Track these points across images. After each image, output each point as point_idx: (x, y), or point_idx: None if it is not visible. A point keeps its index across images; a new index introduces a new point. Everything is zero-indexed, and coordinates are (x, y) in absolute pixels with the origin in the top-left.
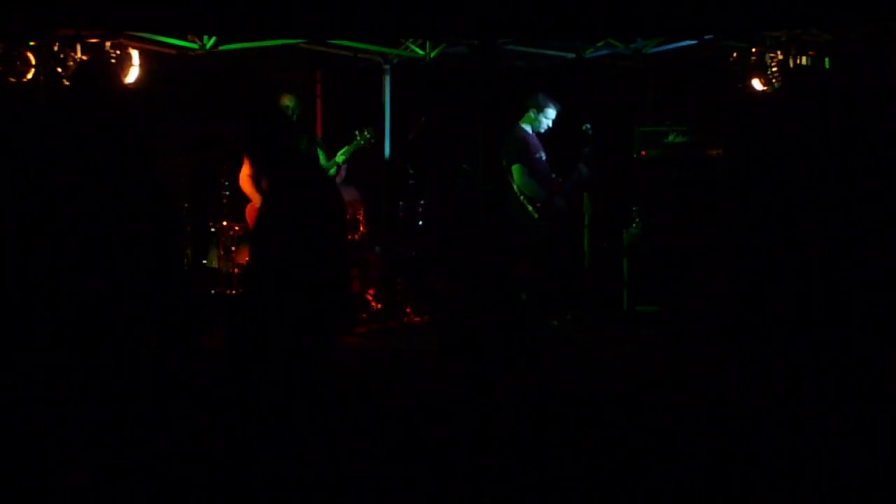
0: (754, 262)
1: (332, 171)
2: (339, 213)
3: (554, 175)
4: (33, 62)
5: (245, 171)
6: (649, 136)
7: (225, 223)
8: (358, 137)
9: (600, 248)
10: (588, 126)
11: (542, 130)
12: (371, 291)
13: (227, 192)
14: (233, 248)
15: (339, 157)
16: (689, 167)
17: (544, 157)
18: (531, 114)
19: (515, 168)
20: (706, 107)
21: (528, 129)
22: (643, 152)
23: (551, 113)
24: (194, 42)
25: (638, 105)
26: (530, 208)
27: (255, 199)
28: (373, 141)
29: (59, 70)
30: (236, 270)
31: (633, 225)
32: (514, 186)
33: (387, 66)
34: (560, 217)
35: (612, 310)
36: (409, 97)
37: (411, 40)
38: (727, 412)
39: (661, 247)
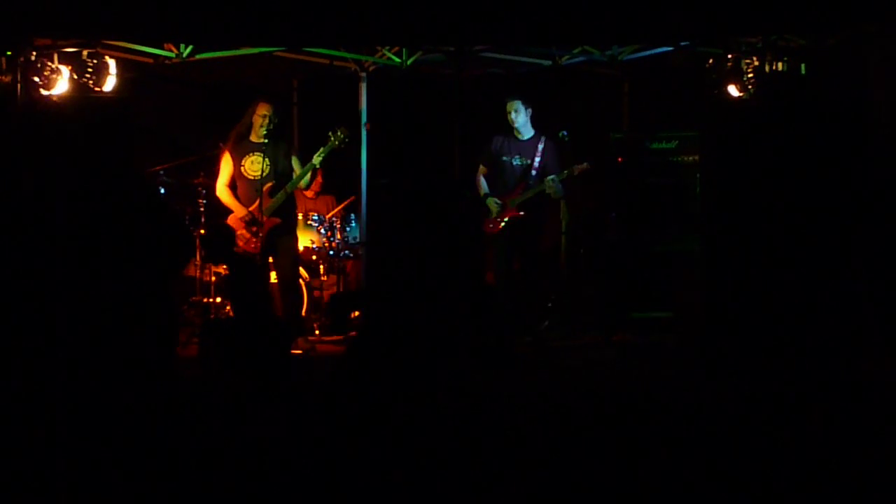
0: (731, 267)
1: (307, 178)
2: None
3: (526, 183)
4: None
5: (222, 181)
6: (625, 143)
7: (202, 231)
8: (332, 138)
9: (577, 256)
10: (564, 133)
11: (516, 131)
12: None
13: (204, 201)
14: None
15: (316, 159)
16: (665, 173)
17: (518, 162)
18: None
19: (480, 168)
20: (682, 113)
21: (511, 131)
22: (619, 159)
23: (512, 114)
24: (171, 51)
25: (614, 112)
26: (493, 212)
27: (236, 208)
28: (347, 140)
29: (36, 80)
30: (213, 279)
31: (609, 231)
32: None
33: (363, 74)
34: (518, 225)
35: (590, 316)
36: (386, 105)
37: (387, 48)
38: (699, 422)
39: (637, 253)
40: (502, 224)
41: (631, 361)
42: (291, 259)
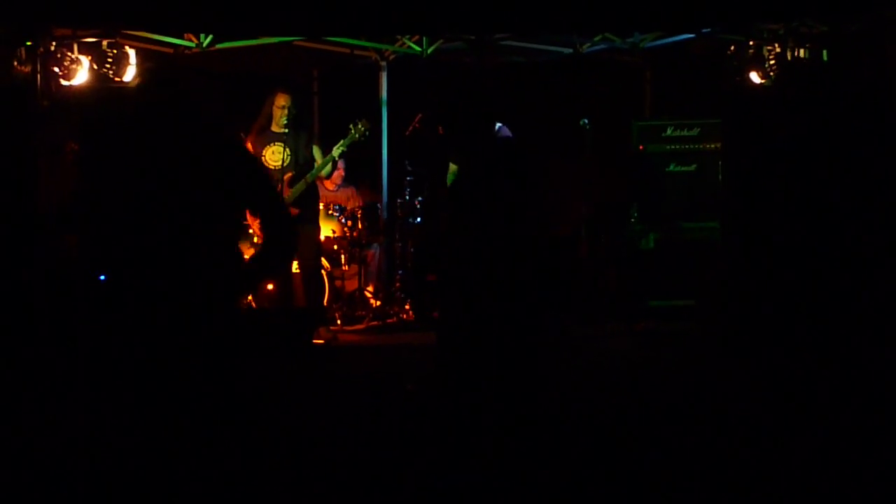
0: (753, 255)
1: (328, 168)
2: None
3: None
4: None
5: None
6: (647, 131)
7: None
8: (353, 131)
9: (599, 244)
10: (585, 121)
11: None
12: (370, 288)
13: None
14: None
15: (336, 151)
16: (687, 161)
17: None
18: None
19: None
20: (704, 100)
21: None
22: (641, 147)
23: None
24: (191, 41)
25: (636, 99)
26: None
27: None
28: (367, 133)
29: (56, 70)
30: None
31: (632, 220)
32: None
33: (383, 63)
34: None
35: (611, 305)
36: (407, 94)
37: (408, 36)
38: (722, 418)
39: (660, 241)
40: None
41: (652, 350)
42: (313, 249)
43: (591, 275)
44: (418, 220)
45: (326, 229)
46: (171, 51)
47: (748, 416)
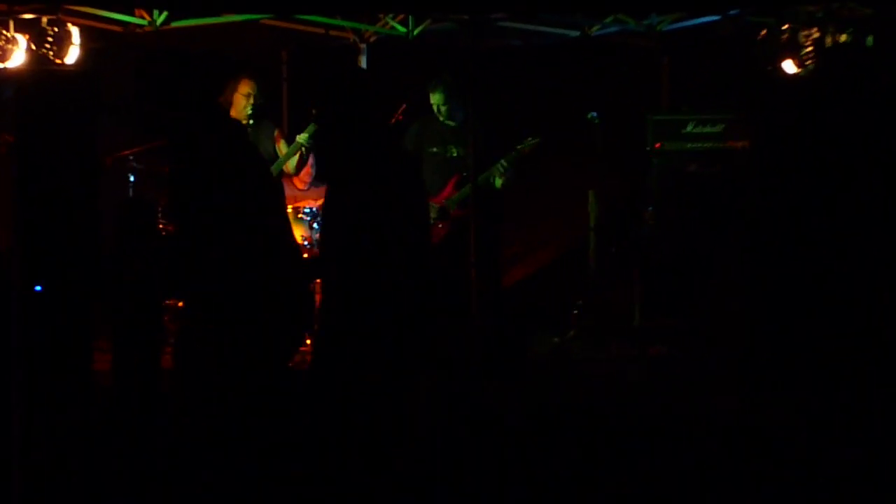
0: (784, 272)
1: (294, 160)
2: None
3: (459, 176)
4: None
5: None
6: (665, 126)
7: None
8: None
9: (608, 255)
10: (594, 114)
11: (443, 119)
12: None
13: None
14: None
15: (301, 138)
16: (710, 161)
17: (448, 153)
18: None
19: None
20: (730, 92)
21: (436, 113)
22: (657, 144)
23: (432, 98)
24: (143, 17)
25: (652, 91)
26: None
27: None
28: None
29: None
30: None
31: (646, 227)
32: None
33: (363, 46)
34: (451, 232)
35: (622, 326)
36: (389, 80)
37: (391, 15)
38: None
39: (677, 253)
40: (445, 232)
41: (669, 379)
42: None
43: (598, 290)
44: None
45: (296, 235)
46: (120, 29)
47: (773, 461)
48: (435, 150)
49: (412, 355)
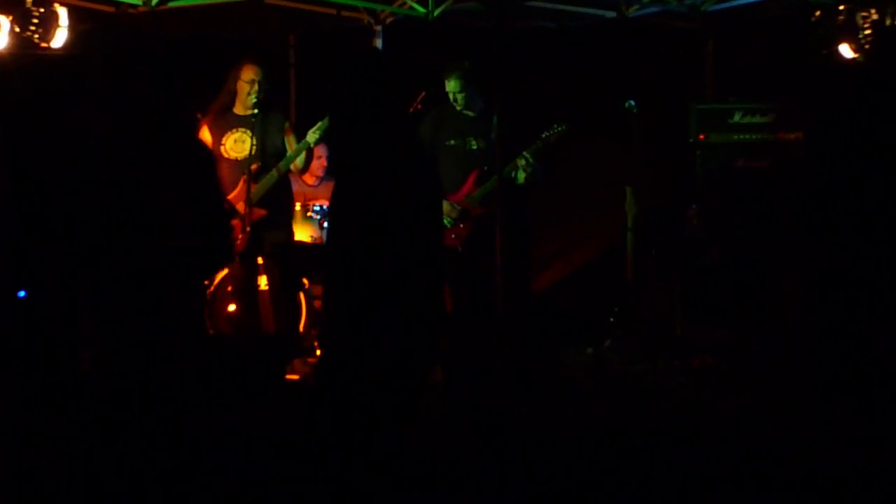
0: (847, 272)
1: (302, 157)
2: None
3: (480, 170)
4: None
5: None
6: (709, 116)
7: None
8: None
9: (647, 257)
10: (632, 102)
11: (460, 109)
12: None
13: None
14: None
15: (311, 136)
16: (759, 155)
17: (467, 145)
18: None
19: None
20: (781, 79)
21: (452, 102)
22: (702, 136)
23: (448, 85)
24: None
25: (695, 77)
26: (445, 220)
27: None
28: None
29: None
30: None
31: (689, 227)
32: None
33: (378, 28)
34: (474, 232)
35: (663, 334)
36: (406, 66)
37: None
38: (803, 474)
39: (723, 255)
40: (467, 233)
41: (715, 393)
42: None
43: (636, 296)
44: None
45: (303, 235)
46: (111, 10)
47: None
48: (453, 142)
49: (418, 353)
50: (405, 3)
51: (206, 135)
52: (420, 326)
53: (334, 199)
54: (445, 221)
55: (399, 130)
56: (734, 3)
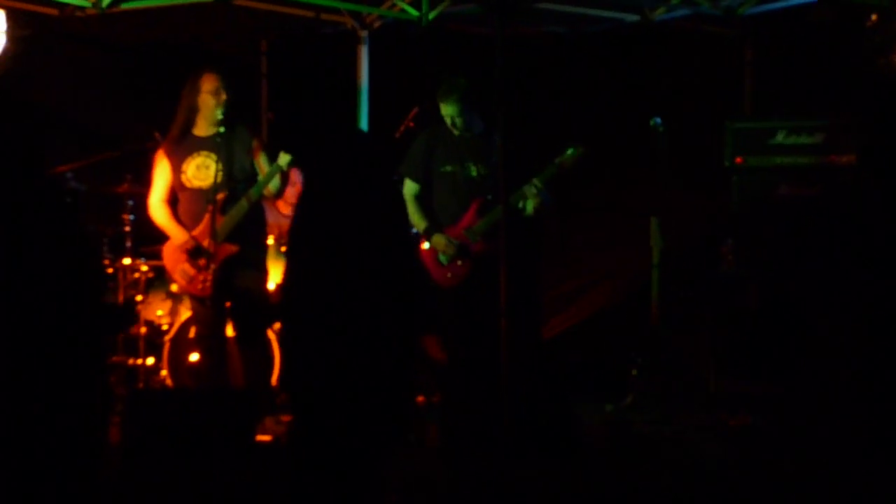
0: None
1: (276, 182)
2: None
3: (483, 200)
4: None
5: (156, 194)
6: (748, 136)
7: (128, 261)
8: None
9: (676, 300)
10: (657, 120)
11: (458, 133)
12: None
13: (132, 216)
14: (138, 298)
15: (283, 159)
16: (806, 181)
17: (466, 172)
18: None
19: (406, 185)
20: (832, 93)
21: (449, 126)
22: (739, 159)
23: (444, 109)
24: None
25: (731, 90)
26: (441, 257)
27: (174, 233)
28: None
29: None
30: (143, 331)
31: (724, 265)
32: None
33: (364, 33)
34: (474, 271)
35: (693, 390)
36: (396, 75)
37: None
38: None
39: (763, 298)
40: (466, 272)
41: (750, 458)
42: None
43: (662, 345)
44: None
45: (277, 274)
46: (55, 12)
47: None
48: (449, 168)
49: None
50: (395, 5)
51: (163, 162)
52: (386, 375)
53: (292, 227)
54: (441, 259)
55: (363, 152)
56: (777, 5)
